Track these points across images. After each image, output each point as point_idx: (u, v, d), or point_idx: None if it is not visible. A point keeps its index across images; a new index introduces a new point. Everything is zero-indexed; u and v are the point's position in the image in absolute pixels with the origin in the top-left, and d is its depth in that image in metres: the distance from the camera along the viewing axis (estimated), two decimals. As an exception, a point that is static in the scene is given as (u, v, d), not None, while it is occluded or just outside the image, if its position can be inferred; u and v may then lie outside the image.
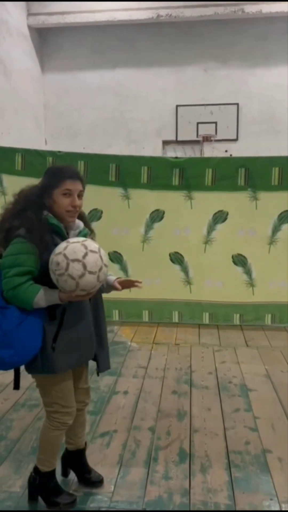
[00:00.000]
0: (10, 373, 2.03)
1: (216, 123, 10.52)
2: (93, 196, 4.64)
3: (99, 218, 4.73)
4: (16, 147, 4.81)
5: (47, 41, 10.54)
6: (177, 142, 10.74)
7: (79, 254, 1.76)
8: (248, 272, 4.74)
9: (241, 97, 10.41)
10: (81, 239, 1.87)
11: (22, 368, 2.00)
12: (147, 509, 2.09)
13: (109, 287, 2.13)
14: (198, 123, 10.55)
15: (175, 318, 4.87)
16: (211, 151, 10.58)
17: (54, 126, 10.86)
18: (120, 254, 4.81)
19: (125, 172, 4.63)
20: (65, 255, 1.76)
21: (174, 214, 4.68)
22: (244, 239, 4.68)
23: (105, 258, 1.85)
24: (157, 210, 4.71)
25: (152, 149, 10.55)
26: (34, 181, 2.05)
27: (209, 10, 9.68)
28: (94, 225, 4.67)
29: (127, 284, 2.17)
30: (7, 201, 2.07)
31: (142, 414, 2.97)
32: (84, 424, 2.27)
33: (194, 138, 10.55)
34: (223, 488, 2.25)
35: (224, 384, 3.42)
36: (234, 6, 9.56)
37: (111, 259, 4.74)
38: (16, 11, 9.35)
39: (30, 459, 2.44)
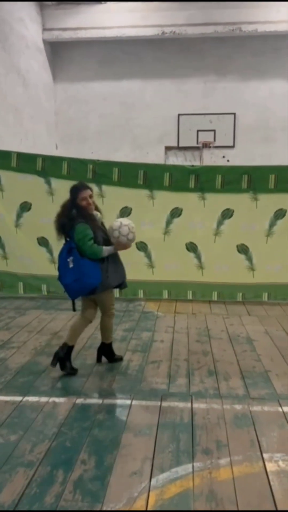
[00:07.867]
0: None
1: (214, 131, 11.83)
2: (124, 196, 5.97)
3: (129, 214, 6.01)
4: (63, 156, 6.08)
5: (59, 54, 11.74)
6: (179, 148, 12.03)
7: (125, 232, 3.62)
8: (249, 259, 6.08)
9: (237, 107, 11.76)
10: (127, 222, 3.69)
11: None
12: (193, 396, 3.37)
13: None
14: (198, 131, 11.84)
15: (189, 296, 6.18)
16: (210, 157, 11.88)
17: (64, 132, 12.04)
18: (145, 244, 6.10)
19: (151, 177, 5.94)
20: (119, 231, 3.61)
21: (190, 211, 6.02)
22: (246, 232, 6.03)
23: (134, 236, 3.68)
24: (176, 208, 6.03)
25: (156, 154, 11.81)
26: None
27: (209, 28, 11.01)
28: (125, 219, 5.96)
29: None
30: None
31: (177, 352, 4.29)
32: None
33: (194, 144, 11.87)
34: (240, 387, 3.57)
35: (234, 337, 4.75)
36: (232, 25, 10.91)
37: (138, 248, 6.04)
38: (33, 27, 10.55)
39: (108, 374, 3.72)
